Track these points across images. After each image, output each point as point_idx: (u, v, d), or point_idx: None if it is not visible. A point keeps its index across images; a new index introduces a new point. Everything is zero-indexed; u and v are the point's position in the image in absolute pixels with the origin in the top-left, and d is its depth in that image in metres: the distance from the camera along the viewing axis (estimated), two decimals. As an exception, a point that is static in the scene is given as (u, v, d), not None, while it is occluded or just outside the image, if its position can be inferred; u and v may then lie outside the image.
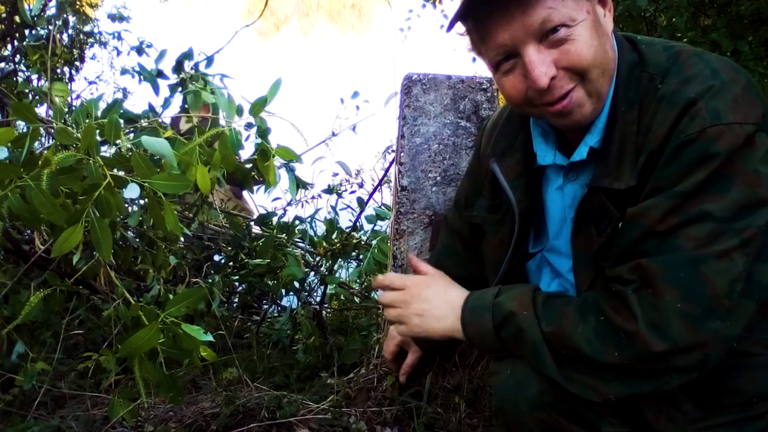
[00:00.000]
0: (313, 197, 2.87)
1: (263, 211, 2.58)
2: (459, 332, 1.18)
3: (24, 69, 3.03)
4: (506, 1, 0.98)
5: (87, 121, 1.31)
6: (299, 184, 1.78)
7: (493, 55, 1.06)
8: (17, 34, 3.04)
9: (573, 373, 1.03)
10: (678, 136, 0.96)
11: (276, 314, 2.83)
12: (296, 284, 2.38)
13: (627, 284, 0.99)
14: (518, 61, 1.03)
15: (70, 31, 3.70)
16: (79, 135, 1.22)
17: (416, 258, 1.40)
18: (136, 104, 3.71)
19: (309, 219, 2.52)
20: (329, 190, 2.86)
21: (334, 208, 2.81)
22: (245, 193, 3.79)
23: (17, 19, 2.98)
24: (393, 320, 1.29)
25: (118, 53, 4.08)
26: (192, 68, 1.96)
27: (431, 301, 1.24)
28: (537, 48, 1.00)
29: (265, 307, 2.85)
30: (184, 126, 2.41)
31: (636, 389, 1.00)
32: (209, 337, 1.22)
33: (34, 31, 2.94)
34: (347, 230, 2.50)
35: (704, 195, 0.94)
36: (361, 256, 2.53)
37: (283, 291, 2.39)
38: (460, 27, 1.09)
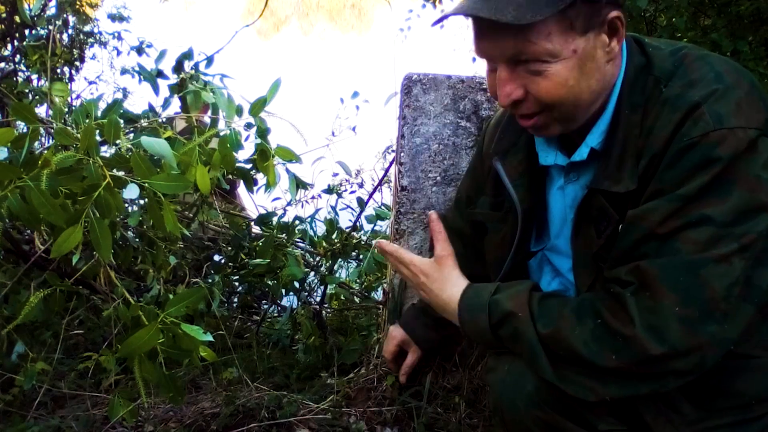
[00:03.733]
0: (313, 197, 2.87)
1: (263, 211, 2.57)
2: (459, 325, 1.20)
3: (24, 69, 3.03)
4: (493, 22, 0.97)
5: (87, 121, 1.31)
6: (299, 184, 1.78)
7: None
8: (17, 34, 3.03)
9: (569, 374, 1.03)
10: (680, 139, 0.96)
11: (276, 314, 2.82)
12: (296, 284, 2.38)
13: (625, 286, 0.99)
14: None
15: (70, 31, 3.70)
16: (78, 135, 1.22)
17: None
18: (136, 104, 3.71)
19: (309, 219, 2.52)
20: (329, 190, 2.86)
21: (334, 208, 2.80)
22: (239, 191, 3.79)
23: (17, 19, 2.97)
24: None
25: (118, 53, 4.08)
26: (192, 68, 1.96)
27: (431, 293, 1.27)
28: (511, 68, 1.02)
29: (265, 307, 2.85)
30: (179, 125, 2.40)
31: (633, 391, 1.00)
32: (209, 337, 1.22)
33: (34, 31, 2.94)
34: (347, 230, 2.49)
35: (705, 199, 0.94)
36: (361, 256, 2.53)
37: (283, 291, 2.38)
38: (451, 20, 1.11)
